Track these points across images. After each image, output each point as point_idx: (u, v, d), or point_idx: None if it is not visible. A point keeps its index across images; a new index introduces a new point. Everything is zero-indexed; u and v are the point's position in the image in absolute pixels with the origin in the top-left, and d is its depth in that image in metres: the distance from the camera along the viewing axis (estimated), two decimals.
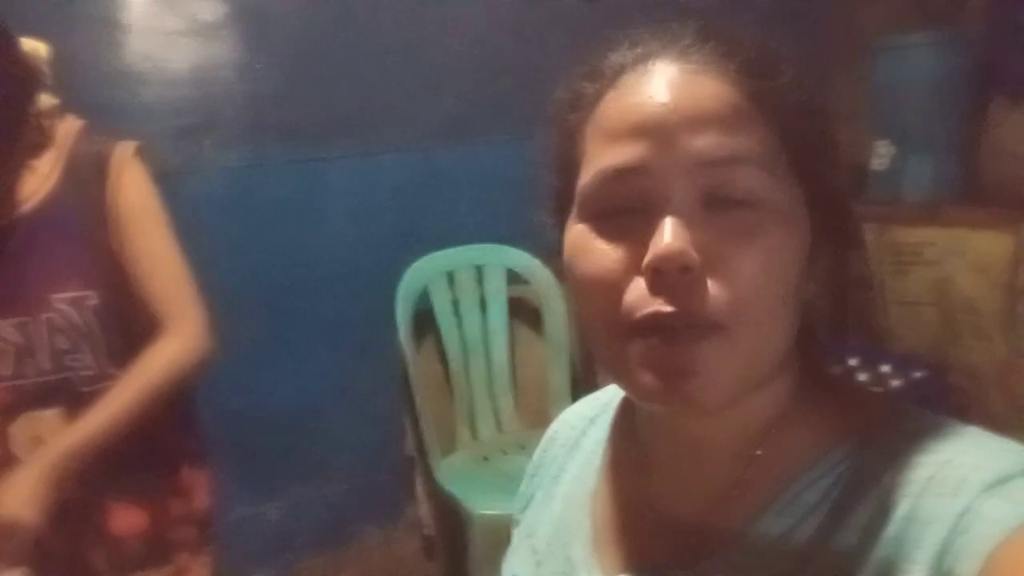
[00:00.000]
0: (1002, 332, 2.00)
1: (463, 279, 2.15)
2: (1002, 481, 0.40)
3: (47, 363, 1.05)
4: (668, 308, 0.42)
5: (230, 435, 1.82)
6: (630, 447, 0.55)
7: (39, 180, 1.06)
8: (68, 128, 1.10)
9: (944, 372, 2.11)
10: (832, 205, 0.48)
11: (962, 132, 2.16)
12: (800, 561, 0.44)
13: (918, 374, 2.07)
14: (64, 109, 1.11)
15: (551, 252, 0.55)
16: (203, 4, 1.85)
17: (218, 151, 1.93)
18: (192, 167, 1.88)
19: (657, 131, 0.44)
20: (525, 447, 2.01)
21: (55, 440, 1.02)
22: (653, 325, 0.43)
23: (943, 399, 2.06)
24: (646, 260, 0.42)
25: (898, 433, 0.45)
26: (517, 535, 0.63)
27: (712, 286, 0.42)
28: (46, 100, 1.06)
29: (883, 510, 0.42)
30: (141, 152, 1.11)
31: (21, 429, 1.05)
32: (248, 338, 1.97)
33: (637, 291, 0.43)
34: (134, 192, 1.08)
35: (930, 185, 2.23)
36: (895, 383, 2.05)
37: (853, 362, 2.12)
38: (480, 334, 2.14)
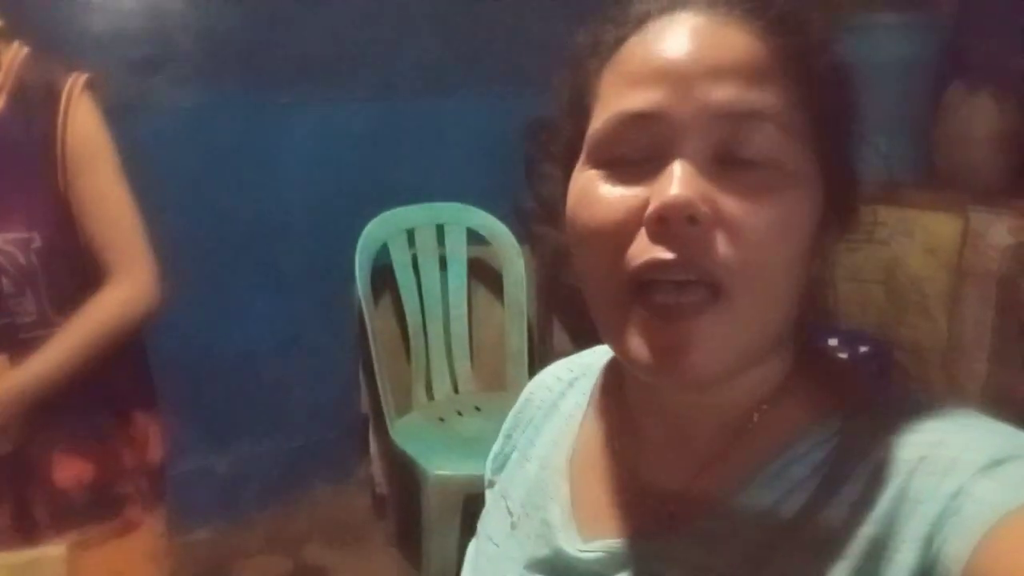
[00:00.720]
0: (946, 312, 2.07)
1: (424, 237, 2.11)
2: (995, 463, 0.39)
3: None
4: (668, 255, 0.41)
5: (180, 384, 1.76)
6: (614, 411, 0.55)
7: None
8: (14, 54, 1.01)
9: (889, 349, 2.18)
10: (844, 179, 0.47)
11: (920, 115, 2.20)
12: (784, 533, 0.44)
13: (863, 349, 2.14)
14: (10, 34, 1.03)
15: (514, 213, 0.53)
16: None
17: (172, 88, 1.83)
18: (144, 103, 1.78)
19: (676, 78, 0.42)
20: (481, 409, 2.01)
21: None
22: (651, 276, 0.41)
23: (886, 375, 2.13)
24: (651, 206, 0.41)
25: (890, 411, 0.45)
26: (491, 496, 0.62)
27: (718, 243, 0.41)
28: None
29: (873, 487, 0.42)
30: (93, 85, 1.03)
31: None
32: (201, 286, 1.90)
33: (640, 242, 0.42)
34: (84, 128, 1.01)
35: (885, 166, 2.27)
36: (841, 356, 2.11)
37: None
38: (439, 293, 2.11)
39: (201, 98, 1.86)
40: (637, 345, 0.42)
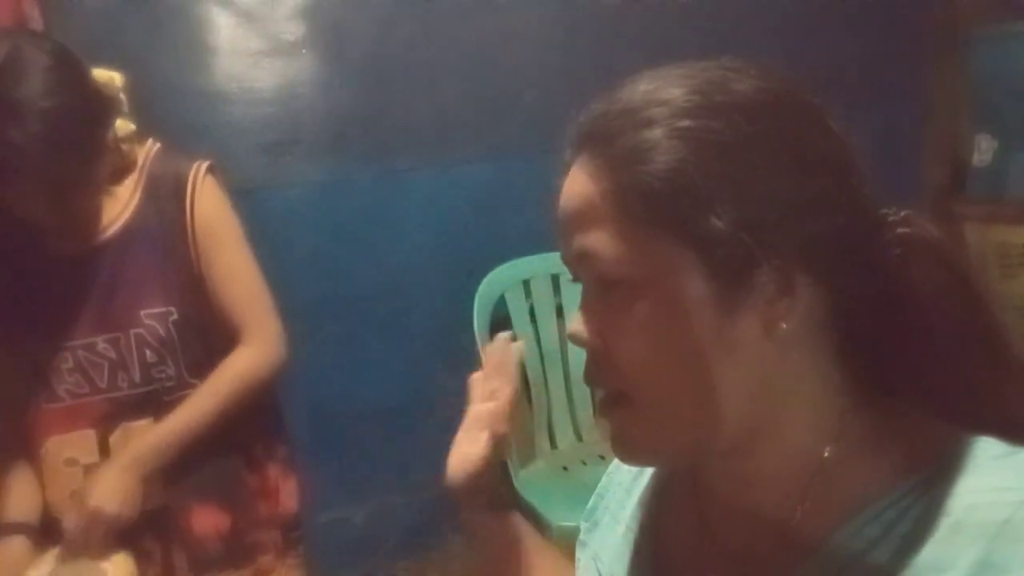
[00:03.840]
0: None
1: (539, 287, 2.14)
2: None
3: (137, 376, 1.10)
4: (584, 378, 0.50)
5: (317, 440, 1.87)
6: (689, 477, 0.56)
7: (122, 203, 1.11)
8: (147, 151, 1.15)
9: None
10: (726, 248, 0.44)
11: None
12: None
13: None
14: (144, 133, 1.16)
15: None
16: (285, 24, 1.92)
17: (302, 165, 2.00)
18: (278, 182, 1.95)
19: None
20: (605, 457, 1.98)
21: (138, 439, 1.07)
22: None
23: None
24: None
25: (969, 467, 0.43)
26: (584, 556, 0.64)
27: (610, 359, 0.47)
28: (124, 126, 1.11)
29: (952, 553, 0.40)
30: (214, 169, 1.15)
31: (119, 439, 1.10)
32: (334, 345, 2.03)
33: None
34: (209, 208, 1.12)
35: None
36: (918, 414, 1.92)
37: None
38: (557, 343, 2.12)
39: (328, 173, 2.01)
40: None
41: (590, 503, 0.66)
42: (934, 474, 0.43)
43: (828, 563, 0.44)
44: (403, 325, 2.14)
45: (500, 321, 2.12)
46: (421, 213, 2.13)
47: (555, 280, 2.15)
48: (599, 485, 0.66)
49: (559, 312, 2.15)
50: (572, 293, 2.10)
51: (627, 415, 0.48)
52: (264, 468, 1.20)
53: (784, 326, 0.45)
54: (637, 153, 0.46)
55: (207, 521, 1.13)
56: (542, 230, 2.12)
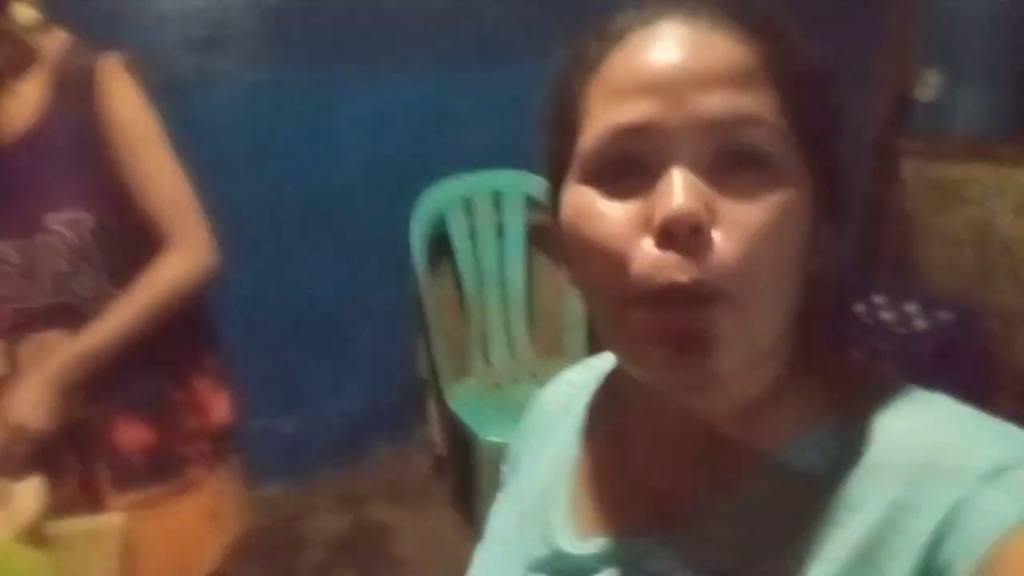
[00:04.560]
0: None
1: (481, 205, 2.11)
2: (1000, 471, 0.38)
3: (48, 285, 1.05)
4: (683, 278, 0.40)
5: (246, 349, 1.85)
6: (615, 415, 0.55)
7: (26, 101, 1.03)
8: (54, 44, 1.06)
9: (973, 316, 2.04)
10: (832, 177, 0.46)
11: (1016, 67, 2.02)
12: (775, 533, 0.43)
13: (945, 316, 2.01)
14: (56, 24, 1.07)
15: None
16: None
17: (233, 65, 1.88)
18: (208, 81, 1.84)
19: (666, 88, 0.42)
20: (538, 376, 2.02)
21: (59, 351, 1.03)
22: (664, 296, 0.41)
23: (969, 343, 2.01)
24: (657, 218, 0.41)
25: (894, 410, 0.44)
26: (503, 496, 0.64)
27: (721, 246, 0.41)
28: (26, 13, 1.02)
29: (871, 491, 0.41)
30: (130, 65, 1.07)
31: (28, 350, 1.06)
32: (266, 254, 1.99)
33: (646, 256, 0.41)
34: (124, 107, 1.05)
35: (979, 120, 2.11)
36: (920, 324, 2.00)
37: (880, 299, 2.06)
38: (497, 261, 2.12)
39: (262, 74, 1.91)
40: (652, 348, 0.42)
41: (511, 447, 0.66)
42: (855, 414, 0.44)
43: (748, 500, 0.45)
44: (338, 236, 2.10)
45: (438, 238, 2.09)
46: (361, 123, 2.05)
47: (496, 198, 2.13)
48: (519, 429, 0.66)
49: (500, 231, 2.13)
50: (514, 212, 2.09)
51: (724, 311, 0.41)
52: (192, 380, 1.18)
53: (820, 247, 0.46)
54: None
55: (131, 435, 1.11)
56: (486, 147, 2.09)
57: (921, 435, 0.42)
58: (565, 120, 0.48)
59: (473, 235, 2.10)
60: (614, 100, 0.44)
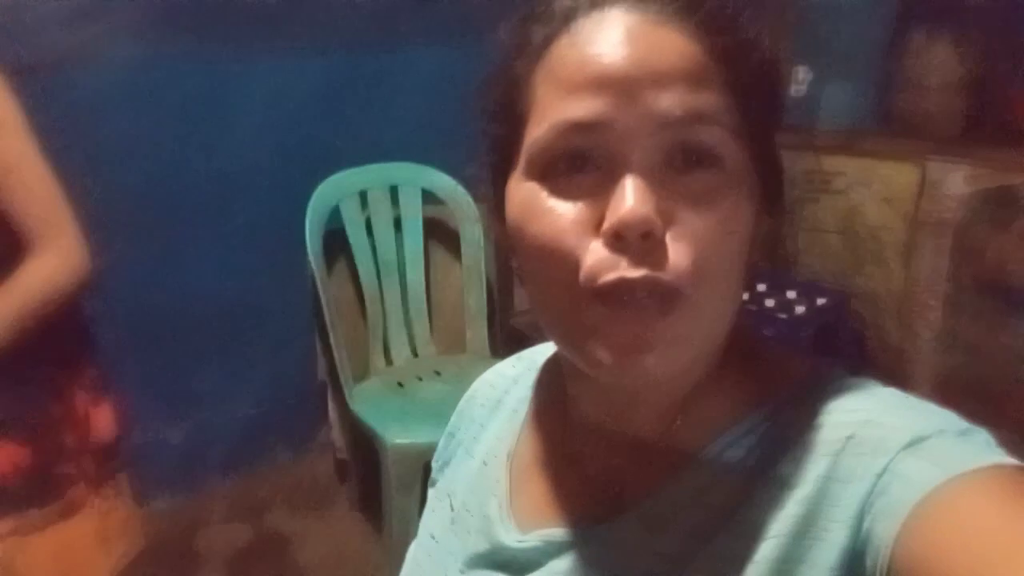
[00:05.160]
0: (903, 262, 2.09)
1: (377, 199, 2.06)
2: (919, 440, 0.40)
3: None
4: (634, 273, 0.41)
5: (126, 355, 1.72)
6: (555, 406, 0.55)
7: None
8: None
9: (846, 299, 2.19)
10: (774, 171, 0.48)
11: (879, 61, 2.18)
12: (719, 515, 0.44)
13: (821, 301, 2.15)
14: None
15: (470, 172, 0.52)
16: None
17: (116, 38, 1.72)
18: (87, 56, 1.67)
19: (620, 85, 0.42)
20: (440, 373, 1.99)
21: None
22: (615, 292, 0.41)
23: (844, 326, 2.15)
24: (607, 224, 0.41)
25: (820, 393, 0.46)
26: (434, 494, 0.63)
27: (673, 249, 0.41)
28: None
29: (803, 468, 0.43)
30: None
31: None
32: (151, 249, 1.84)
33: (597, 254, 0.42)
34: None
35: (846, 114, 2.26)
36: (799, 309, 2.13)
37: (761, 287, 2.18)
38: (394, 256, 2.07)
39: (148, 49, 1.75)
40: (598, 347, 0.42)
41: (440, 444, 0.65)
42: (792, 400, 0.46)
43: (690, 483, 0.46)
44: (228, 229, 1.98)
45: (334, 233, 2.02)
46: (251, 108, 1.94)
47: (393, 192, 2.08)
48: (448, 426, 0.65)
49: (397, 224, 2.08)
50: (411, 206, 2.05)
51: (679, 314, 0.41)
52: (70, 394, 1.08)
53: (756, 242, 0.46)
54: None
55: (3, 457, 1.01)
56: (381, 137, 2.02)
57: (847, 413, 0.44)
58: (509, 107, 0.46)
59: (369, 230, 2.05)
60: (564, 93, 0.43)
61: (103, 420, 1.12)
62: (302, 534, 1.99)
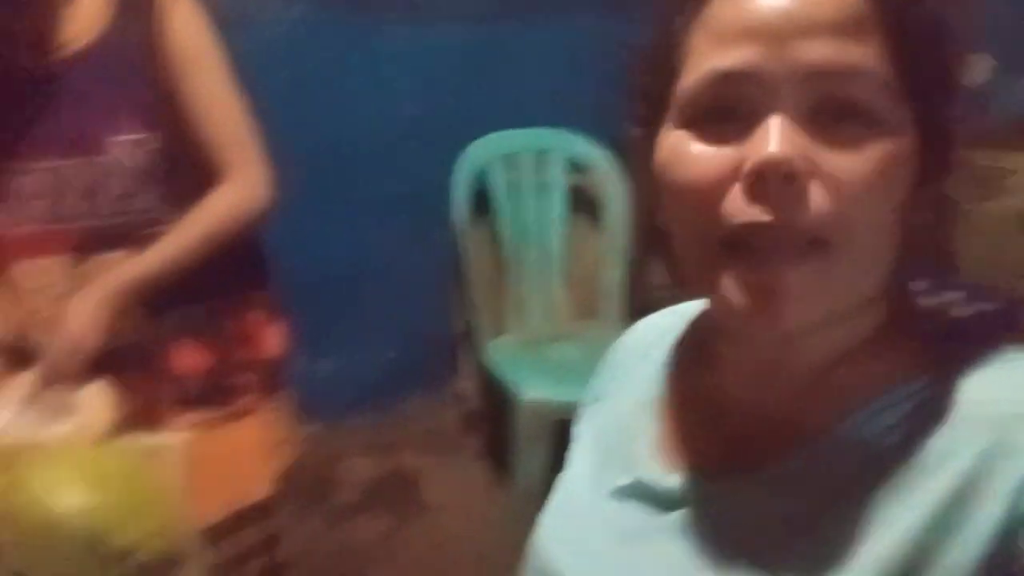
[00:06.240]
0: None
1: (524, 163, 2.10)
2: None
3: (109, 205, 1.05)
4: (766, 217, 0.41)
5: (284, 289, 1.84)
6: (703, 356, 0.56)
7: (86, 17, 1.03)
8: None
9: (1018, 305, 2.03)
10: (940, 132, 0.46)
11: None
12: (857, 486, 0.44)
13: (989, 305, 2.00)
14: None
15: (617, 142, 0.53)
16: None
17: (267, 5, 1.85)
18: (248, 17, 1.80)
19: (770, 34, 0.42)
20: (573, 338, 2.02)
21: (115, 270, 1.04)
22: (748, 237, 0.42)
23: (1011, 332, 1.99)
24: (748, 164, 0.41)
25: (984, 367, 0.44)
26: (583, 431, 0.65)
27: (815, 197, 0.41)
28: None
29: (963, 440, 0.42)
30: None
31: (89, 269, 1.07)
32: (301, 199, 1.97)
33: (735, 199, 0.42)
34: (185, 30, 1.05)
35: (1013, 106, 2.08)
36: (962, 311, 1.99)
37: (921, 285, 2.06)
38: (536, 222, 2.11)
39: (303, 13, 1.87)
40: (730, 292, 0.43)
41: (593, 382, 0.67)
42: (944, 371, 0.45)
43: (839, 442, 0.45)
44: (378, 186, 2.09)
45: (479, 194, 2.09)
46: (404, 71, 2.03)
47: (540, 158, 2.11)
48: (600, 365, 0.67)
49: (541, 190, 2.12)
50: (556, 172, 2.07)
51: (816, 264, 0.41)
52: (245, 312, 1.19)
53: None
54: None
55: (189, 359, 1.13)
56: (530, 103, 2.04)
57: (1011, 389, 0.42)
58: (665, 62, 0.48)
59: (514, 193, 2.09)
60: (716, 44, 0.44)
61: (272, 339, 1.23)
62: (429, 475, 2.08)
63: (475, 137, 2.04)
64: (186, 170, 1.07)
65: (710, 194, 0.43)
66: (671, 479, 0.51)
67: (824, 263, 0.41)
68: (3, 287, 1.09)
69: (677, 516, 0.49)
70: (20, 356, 1.07)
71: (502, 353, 1.98)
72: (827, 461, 0.45)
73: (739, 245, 0.42)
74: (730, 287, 0.43)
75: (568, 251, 2.14)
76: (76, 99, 1.03)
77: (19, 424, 0.94)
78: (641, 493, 0.53)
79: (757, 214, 0.41)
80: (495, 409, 1.98)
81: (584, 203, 2.18)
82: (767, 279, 0.41)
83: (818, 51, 0.41)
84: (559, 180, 2.12)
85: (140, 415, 1.10)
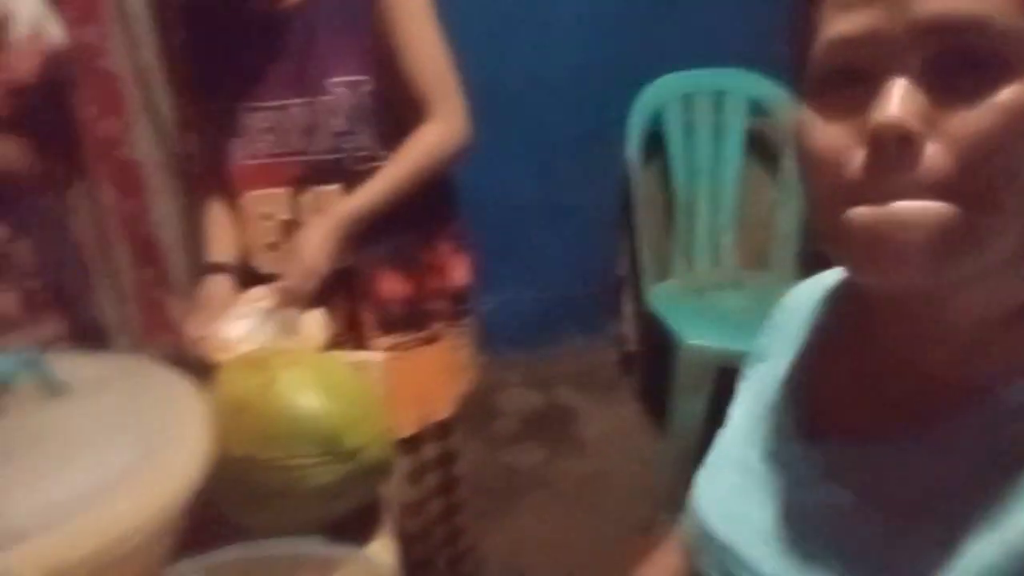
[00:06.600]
0: None
1: (701, 104, 2.04)
2: None
3: (327, 142, 1.14)
4: (884, 180, 0.41)
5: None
6: (857, 321, 0.55)
7: None
8: None
9: None
10: None
11: None
12: (1010, 457, 0.43)
13: None
14: None
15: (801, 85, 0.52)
16: None
17: None
18: None
19: None
20: (741, 285, 1.98)
21: (339, 205, 1.14)
22: (869, 200, 0.41)
23: None
24: (867, 129, 0.41)
25: None
26: (746, 388, 0.66)
27: (940, 155, 0.40)
28: None
29: None
30: None
31: (307, 200, 1.17)
32: (478, 139, 2.02)
33: (855, 164, 0.42)
34: None
35: None
36: None
37: None
38: (710, 164, 2.06)
39: None
40: (852, 244, 0.43)
41: (758, 341, 0.67)
42: None
43: (1003, 411, 0.44)
44: (547, 126, 2.10)
45: (652, 135, 2.06)
46: (578, 9, 2.01)
47: (718, 99, 2.04)
48: (766, 324, 0.67)
49: (717, 132, 2.06)
50: (735, 114, 1.99)
51: (939, 223, 0.40)
52: (437, 243, 1.26)
53: None
54: None
55: (391, 286, 1.22)
56: (709, 41, 1.95)
57: None
58: (811, 33, 0.47)
59: (689, 134, 2.05)
60: (837, 11, 0.44)
61: (460, 269, 1.30)
62: (586, 413, 2.14)
63: (655, 77, 2.00)
64: (395, 109, 1.14)
65: (834, 163, 0.43)
66: (827, 443, 0.52)
67: (949, 219, 0.40)
68: (236, 215, 1.22)
69: (832, 481, 0.50)
70: (247, 276, 1.20)
71: (666, 297, 1.97)
72: (992, 424, 0.44)
73: (861, 203, 0.42)
74: (851, 242, 0.43)
75: (742, 196, 2.08)
76: (302, 43, 1.11)
77: (258, 334, 1.06)
78: (797, 457, 0.54)
79: (877, 176, 0.41)
80: (655, 353, 1.99)
81: (763, 147, 2.09)
82: (884, 230, 0.41)
83: (935, 5, 0.40)
84: (737, 122, 2.04)
85: (346, 336, 1.21)
